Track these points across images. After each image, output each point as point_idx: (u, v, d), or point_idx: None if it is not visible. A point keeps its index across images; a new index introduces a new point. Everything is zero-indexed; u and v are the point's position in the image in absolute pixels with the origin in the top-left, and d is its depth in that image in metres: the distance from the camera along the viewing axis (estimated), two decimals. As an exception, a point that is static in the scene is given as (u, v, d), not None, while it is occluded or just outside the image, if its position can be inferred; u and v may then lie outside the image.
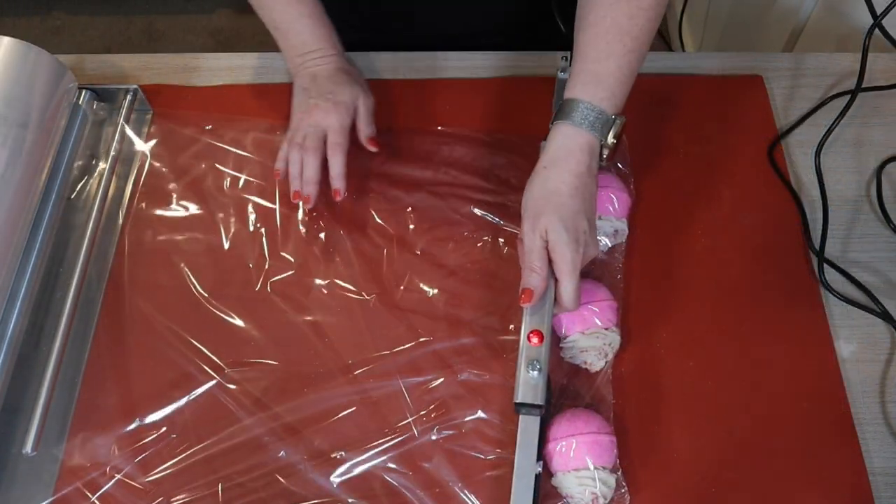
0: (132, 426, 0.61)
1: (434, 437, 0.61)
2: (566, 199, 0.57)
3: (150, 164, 0.75)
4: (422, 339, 0.65)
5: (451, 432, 0.61)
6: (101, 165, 0.73)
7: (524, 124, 0.75)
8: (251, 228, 0.71)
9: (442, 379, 0.63)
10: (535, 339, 0.58)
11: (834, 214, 0.71)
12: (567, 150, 0.58)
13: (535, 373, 0.57)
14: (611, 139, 0.58)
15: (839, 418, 0.61)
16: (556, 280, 0.58)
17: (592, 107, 0.58)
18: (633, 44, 0.58)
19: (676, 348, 0.65)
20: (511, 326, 0.65)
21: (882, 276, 0.68)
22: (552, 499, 0.58)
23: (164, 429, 0.61)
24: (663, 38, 1.99)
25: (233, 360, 0.64)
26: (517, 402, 0.57)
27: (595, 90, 0.58)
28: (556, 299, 0.59)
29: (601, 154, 0.58)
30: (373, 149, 0.71)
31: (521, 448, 0.57)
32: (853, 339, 0.65)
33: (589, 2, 0.60)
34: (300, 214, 0.72)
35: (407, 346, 0.64)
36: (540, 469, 0.57)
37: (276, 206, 0.72)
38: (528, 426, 0.58)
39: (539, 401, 0.56)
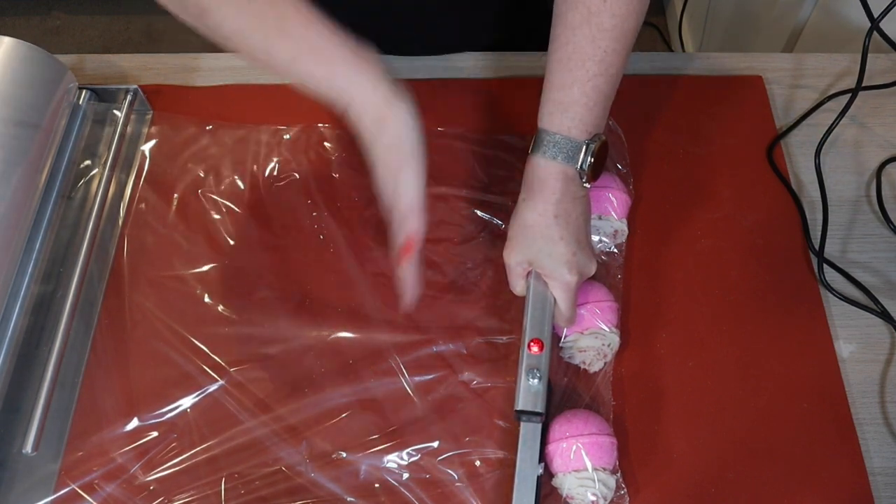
0: (132, 426, 0.61)
1: (435, 438, 0.61)
2: (544, 229, 0.58)
3: (150, 165, 0.75)
4: (422, 340, 0.65)
5: (451, 433, 0.61)
6: (101, 165, 0.73)
7: (524, 125, 0.75)
8: (251, 230, 0.71)
9: (443, 379, 0.63)
10: (535, 348, 0.58)
11: (834, 214, 0.71)
12: (541, 181, 0.58)
13: (536, 381, 0.57)
14: (588, 162, 0.58)
15: (839, 418, 0.61)
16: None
17: (560, 137, 0.57)
18: (597, 68, 0.57)
19: (676, 349, 0.65)
20: (511, 328, 0.65)
21: (882, 276, 0.68)
22: (553, 499, 0.58)
23: (164, 429, 0.61)
24: (663, 38, 1.99)
25: (234, 360, 0.64)
26: (517, 409, 0.57)
27: (561, 120, 0.58)
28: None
29: (581, 175, 0.58)
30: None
31: (522, 450, 0.57)
32: (853, 339, 0.65)
33: (554, 26, 0.59)
34: (300, 215, 0.72)
35: (407, 346, 0.64)
36: (541, 471, 0.57)
37: (276, 207, 0.72)
38: (529, 430, 0.58)
39: (539, 409, 0.56)
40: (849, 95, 0.72)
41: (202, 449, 0.60)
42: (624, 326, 0.65)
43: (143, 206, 0.72)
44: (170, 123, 0.77)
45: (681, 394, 0.63)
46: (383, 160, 0.53)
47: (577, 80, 0.57)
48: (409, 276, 0.56)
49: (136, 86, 0.77)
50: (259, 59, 0.54)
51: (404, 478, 0.59)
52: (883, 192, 0.72)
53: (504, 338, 0.65)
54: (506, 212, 0.71)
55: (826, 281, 0.67)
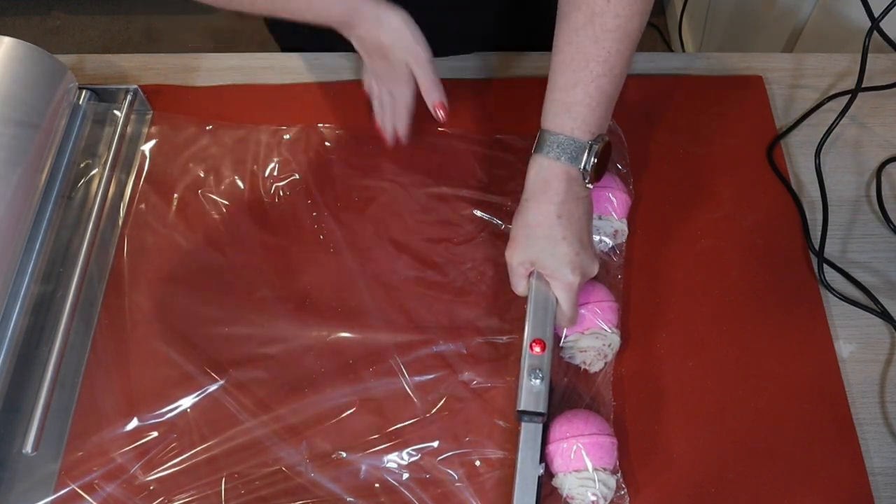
0: (132, 426, 0.61)
1: (435, 438, 0.61)
2: (547, 229, 0.58)
3: (150, 165, 0.75)
4: (422, 340, 0.65)
5: (451, 433, 0.61)
6: (101, 165, 0.73)
7: (524, 125, 0.75)
8: (251, 230, 0.71)
9: (443, 379, 0.63)
10: (537, 348, 0.58)
11: (834, 214, 0.71)
12: (544, 182, 0.58)
13: (538, 381, 0.57)
14: (591, 163, 0.58)
15: (839, 418, 0.61)
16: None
17: (564, 137, 0.57)
18: (601, 68, 0.57)
19: (676, 349, 0.65)
20: (511, 327, 0.65)
21: (882, 276, 0.68)
22: (553, 499, 0.58)
23: (164, 429, 0.61)
24: (663, 38, 1.99)
25: (234, 360, 0.64)
26: (520, 409, 0.57)
27: (564, 120, 0.58)
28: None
29: (584, 176, 0.58)
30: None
31: (523, 451, 0.57)
32: (853, 339, 0.65)
33: (558, 26, 0.59)
34: (300, 215, 0.72)
35: (407, 346, 0.64)
36: (542, 471, 0.57)
37: (276, 207, 0.72)
38: (530, 430, 0.58)
39: (541, 409, 0.56)
40: (849, 95, 0.72)
41: (202, 449, 0.60)
42: (624, 326, 0.65)
43: (143, 206, 0.72)
44: (170, 123, 0.77)
45: (681, 394, 0.63)
46: (413, 52, 0.64)
47: (580, 80, 0.57)
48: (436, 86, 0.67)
49: (136, 86, 0.77)
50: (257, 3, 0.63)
51: (404, 478, 0.59)
52: (883, 192, 0.72)
53: (504, 338, 0.65)
54: (506, 212, 0.71)
55: (826, 281, 0.67)
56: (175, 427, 0.61)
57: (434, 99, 0.67)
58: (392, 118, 0.71)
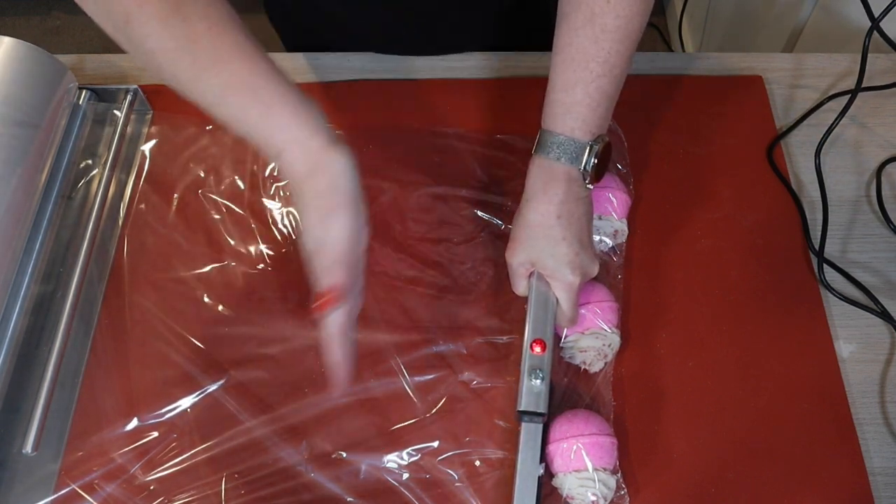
0: (132, 426, 0.61)
1: (435, 438, 0.61)
2: (547, 230, 0.58)
3: (150, 165, 0.75)
4: (422, 340, 0.65)
5: (451, 433, 0.61)
6: (101, 165, 0.73)
7: (524, 125, 0.75)
8: (251, 230, 0.71)
9: (443, 379, 0.63)
10: (537, 348, 0.58)
11: (834, 214, 0.71)
12: (544, 182, 0.58)
13: (538, 381, 0.57)
14: (591, 163, 0.58)
15: (839, 418, 0.61)
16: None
17: (564, 138, 0.57)
18: (601, 69, 0.57)
19: (676, 349, 0.65)
20: (511, 328, 0.65)
21: (882, 276, 0.68)
22: (553, 499, 0.58)
23: (164, 429, 0.61)
24: (663, 39, 1.99)
25: (234, 360, 0.64)
26: (520, 410, 0.57)
27: (564, 121, 0.58)
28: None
29: (584, 176, 0.59)
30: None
31: (523, 451, 0.57)
32: (853, 339, 0.65)
33: (558, 26, 0.59)
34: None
35: (407, 346, 0.64)
36: (542, 471, 0.57)
37: (276, 208, 0.72)
38: (530, 430, 0.58)
39: (542, 409, 0.57)
40: (849, 95, 0.72)
41: (202, 449, 0.60)
42: (624, 326, 0.65)
43: (143, 206, 0.72)
44: (170, 123, 0.77)
45: (681, 394, 0.63)
46: (314, 204, 0.47)
47: (580, 80, 0.57)
48: (338, 353, 0.48)
49: (136, 86, 0.76)
50: (182, 86, 0.48)
51: (404, 478, 0.59)
52: (883, 192, 0.72)
53: (504, 338, 0.65)
54: (506, 212, 0.71)
55: (826, 281, 0.67)
56: (175, 427, 0.61)
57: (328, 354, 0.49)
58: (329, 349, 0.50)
